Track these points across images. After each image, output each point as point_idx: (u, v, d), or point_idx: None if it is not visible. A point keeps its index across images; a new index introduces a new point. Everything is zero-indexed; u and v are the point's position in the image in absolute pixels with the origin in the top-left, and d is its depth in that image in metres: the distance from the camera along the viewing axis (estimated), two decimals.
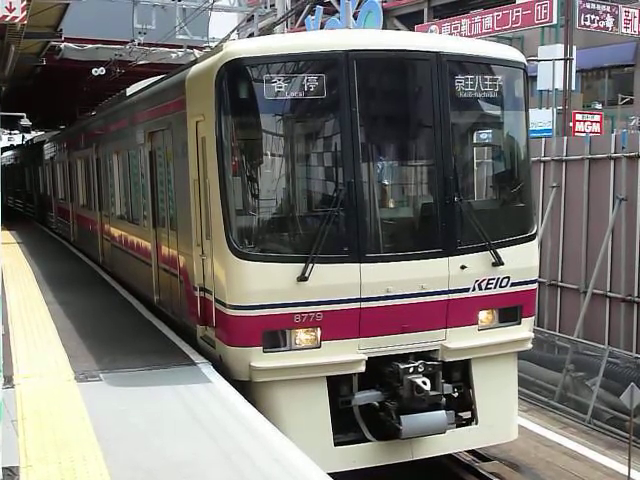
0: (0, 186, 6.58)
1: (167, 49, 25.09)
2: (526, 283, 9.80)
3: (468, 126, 10.11)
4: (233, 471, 6.35)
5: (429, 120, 9.40)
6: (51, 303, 13.18)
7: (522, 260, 9.74)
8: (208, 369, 9.18)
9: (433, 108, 9.25)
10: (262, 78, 8.65)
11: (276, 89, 8.62)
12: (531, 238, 9.94)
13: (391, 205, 9.74)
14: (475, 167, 10.39)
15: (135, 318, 12.27)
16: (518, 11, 26.57)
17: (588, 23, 25.87)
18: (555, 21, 25.99)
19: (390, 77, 9.55)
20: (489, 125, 10.51)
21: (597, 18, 26.03)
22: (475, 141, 10.48)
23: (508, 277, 9.54)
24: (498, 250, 9.40)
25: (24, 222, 32.91)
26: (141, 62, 24.38)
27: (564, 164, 18.44)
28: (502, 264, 9.42)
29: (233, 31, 20.15)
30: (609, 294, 17.04)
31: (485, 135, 10.93)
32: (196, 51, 22.90)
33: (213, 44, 20.70)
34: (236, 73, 8.77)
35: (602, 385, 14.44)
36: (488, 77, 9.49)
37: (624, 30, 26.90)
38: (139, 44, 24.24)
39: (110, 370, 9.11)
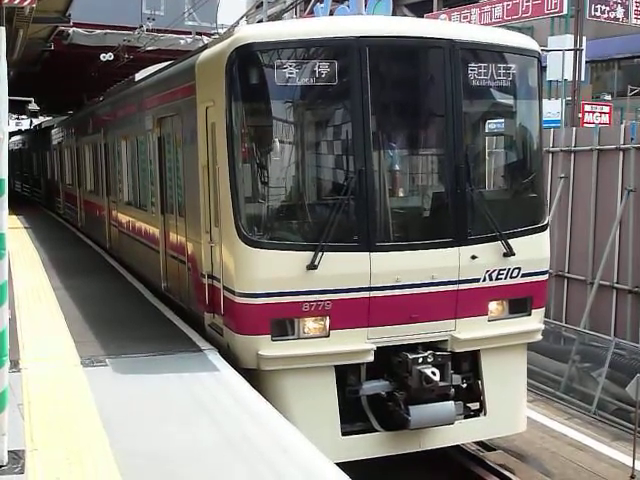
0: (7, 171, 6.49)
1: (175, 35, 25.01)
2: (537, 274, 9.69)
3: (480, 115, 9.97)
4: (238, 457, 6.30)
5: (441, 108, 9.29)
6: (58, 288, 13.12)
7: (533, 251, 9.64)
8: (214, 356, 9.12)
9: (445, 96, 9.14)
10: (273, 64, 8.53)
11: (287, 75, 8.51)
12: (543, 229, 9.82)
13: (402, 194, 9.68)
14: (487, 157, 10.28)
15: (142, 304, 12.22)
16: (528, 1, 26.32)
17: (598, 14, 25.68)
18: (565, 11, 25.78)
19: (402, 64, 9.44)
20: (502, 114, 10.37)
21: (607, 9, 25.84)
22: (487, 130, 10.35)
23: (519, 268, 9.44)
24: (509, 240, 9.30)
25: (31, 207, 32.86)
26: (149, 48, 24.34)
27: (573, 155, 18.32)
28: (513, 254, 9.32)
29: (242, 18, 20.08)
30: (616, 285, 16.91)
31: (497, 124, 10.76)
32: (204, 37, 22.85)
33: (222, 31, 20.62)
34: (247, 58, 8.65)
35: (608, 376, 14.37)
36: (501, 65, 9.36)
37: (634, 21, 26.69)
38: (147, 30, 24.21)
39: (116, 355, 9.06)
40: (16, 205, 24.46)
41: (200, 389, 8.00)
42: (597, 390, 14.23)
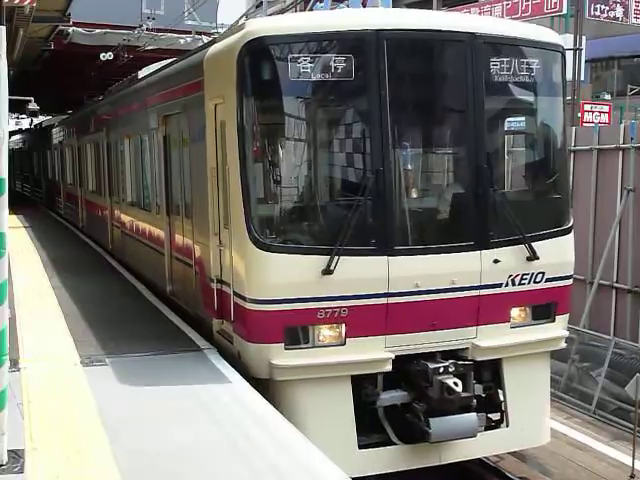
0: (7, 170, 6.48)
1: (175, 35, 24.99)
2: (561, 279, 9.16)
3: (503, 112, 9.41)
4: (239, 457, 6.19)
5: (462, 105, 8.78)
6: (57, 288, 12.92)
7: (558, 254, 9.11)
8: (214, 355, 8.94)
9: (467, 93, 8.63)
10: (287, 58, 8.01)
11: (301, 70, 8.00)
12: (567, 231, 9.27)
13: (421, 195, 9.18)
14: (510, 156, 9.81)
15: (142, 304, 12.02)
16: (528, 0, 26.41)
17: (598, 13, 25.62)
18: (565, 11, 25.60)
19: (422, 59, 8.90)
20: (525, 112, 9.74)
21: (607, 8, 25.79)
22: (510, 128, 9.85)
23: (543, 272, 8.93)
24: (533, 244, 8.77)
25: (32, 207, 32.75)
26: (149, 47, 24.33)
27: (572, 154, 18.24)
28: (537, 258, 8.80)
29: (242, 17, 20.02)
30: (615, 285, 16.71)
31: (521, 122, 10.19)
32: (204, 37, 22.84)
33: (222, 30, 20.60)
34: (259, 53, 8.15)
35: (607, 376, 14.27)
36: (525, 60, 8.83)
37: (634, 20, 26.62)
38: (147, 29, 24.19)
39: (116, 355, 8.92)
40: (17, 205, 24.47)
41: (200, 388, 7.82)
42: (596, 390, 14.12)
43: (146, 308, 11.74)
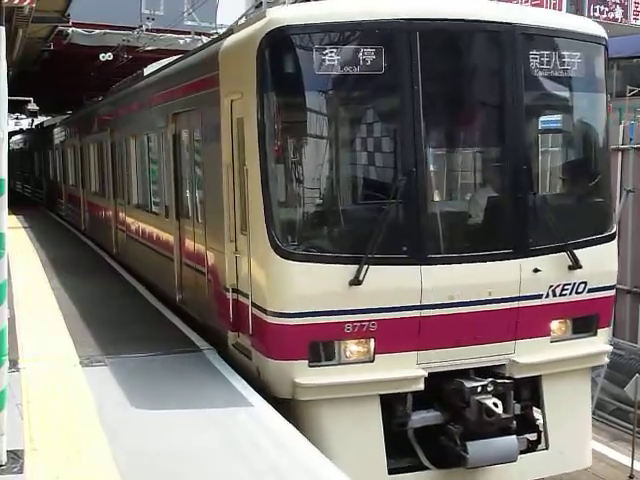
0: (7, 170, 6.46)
1: (175, 35, 24.92)
2: (604, 289, 8.43)
3: (543, 109, 8.70)
4: (238, 457, 6.13)
5: (499, 102, 8.01)
6: (57, 288, 12.72)
7: (600, 263, 8.37)
8: (213, 356, 8.77)
9: (504, 88, 7.87)
10: (311, 50, 7.29)
11: (327, 63, 7.29)
12: (611, 238, 8.51)
13: (455, 199, 8.49)
14: (550, 156, 9.06)
15: (142, 304, 11.82)
16: (527, 1, 26.43)
17: (597, 14, 25.65)
18: (564, 11, 25.89)
19: (457, 51, 8.09)
20: (566, 109, 8.91)
21: (606, 9, 25.85)
22: (550, 126, 9.12)
23: (585, 282, 8.18)
24: (575, 251, 8.00)
25: (32, 207, 32.61)
26: (149, 48, 24.28)
27: None
28: (580, 267, 8.02)
29: (242, 17, 20.01)
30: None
31: (562, 120, 9.35)
32: (204, 37, 22.81)
33: (221, 31, 20.60)
34: (281, 44, 7.40)
35: (606, 376, 14.34)
36: (566, 53, 8.09)
37: (633, 21, 26.70)
38: (147, 30, 24.13)
39: (115, 355, 8.80)
40: (17, 206, 24.45)
41: (199, 388, 7.72)
42: (596, 390, 14.08)
43: (146, 309, 11.58)
